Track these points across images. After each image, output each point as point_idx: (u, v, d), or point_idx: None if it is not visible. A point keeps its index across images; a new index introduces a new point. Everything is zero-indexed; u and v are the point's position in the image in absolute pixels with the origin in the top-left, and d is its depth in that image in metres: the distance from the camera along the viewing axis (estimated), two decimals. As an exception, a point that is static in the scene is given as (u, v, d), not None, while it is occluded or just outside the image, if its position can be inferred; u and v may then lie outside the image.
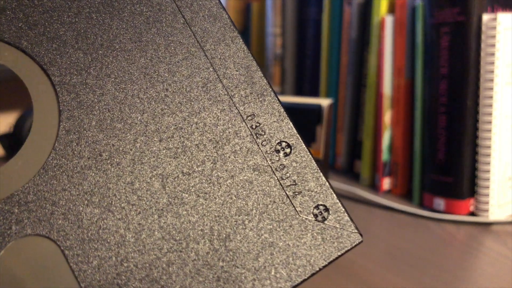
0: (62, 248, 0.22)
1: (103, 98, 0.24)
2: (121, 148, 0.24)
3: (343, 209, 0.23)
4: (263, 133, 0.24)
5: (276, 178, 0.24)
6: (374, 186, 0.59)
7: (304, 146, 0.24)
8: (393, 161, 0.57)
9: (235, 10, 0.85)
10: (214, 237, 0.23)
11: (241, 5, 0.86)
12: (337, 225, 0.23)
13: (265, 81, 0.25)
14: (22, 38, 0.25)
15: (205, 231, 0.23)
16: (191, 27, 0.25)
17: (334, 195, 0.24)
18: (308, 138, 0.45)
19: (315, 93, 0.72)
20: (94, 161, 0.24)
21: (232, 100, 0.24)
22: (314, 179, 0.24)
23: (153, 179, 0.24)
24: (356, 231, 0.23)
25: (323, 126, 0.44)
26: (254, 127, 0.24)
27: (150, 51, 0.25)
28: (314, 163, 0.24)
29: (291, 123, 0.25)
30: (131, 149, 0.24)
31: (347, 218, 0.23)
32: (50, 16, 0.25)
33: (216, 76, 0.25)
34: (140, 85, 0.24)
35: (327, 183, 0.24)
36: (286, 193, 0.24)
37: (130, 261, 0.23)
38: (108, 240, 0.23)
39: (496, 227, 0.47)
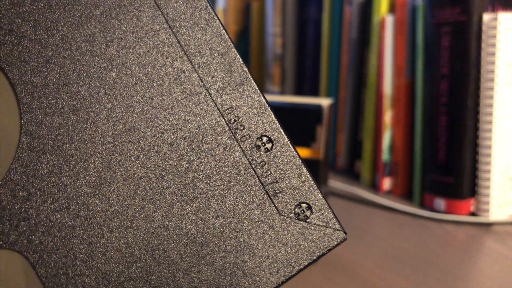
0: (31, 261, 0.21)
1: (66, 97, 0.22)
2: (88, 151, 0.22)
3: (327, 206, 0.22)
4: (242, 128, 0.22)
5: (256, 177, 0.22)
6: (374, 186, 0.59)
7: (287, 140, 0.23)
8: (393, 161, 0.57)
9: (235, 10, 0.85)
10: (190, 242, 0.22)
11: (241, 5, 0.85)
12: (320, 223, 0.22)
13: (245, 69, 0.23)
14: None
15: (181, 236, 0.22)
16: (161, 10, 0.22)
17: (318, 191, 0.22)
18: (308, 138, 0.45)
19: (315, 93, 0.72)
20: (59, 167, 0.22)
21: (208, 92, 0.22)
22: (296, 175, 0.22)
23: (124, 183, 0.22)
24: (339, 228, 0.22)
25: (323, 126, 0.44)
26: (232, 121, 0.22)
27: (116, 40, 0.22)
28: (298, 158, 0.23)
29: (273, 115, 0.23)
30: (98, 152, 0.22)
31: (330, 215, 0.22)
32: (3, 4, 0.22)
33: (191, 66, 0.22)
34: (106, 81, 0.22)
35: (310, 179, 0.22)
36: (266, 192, 0.22)
37: (102, 271, 0.22)
38: (78, 250, 0.22)
39: (496, 227, 0.47)
